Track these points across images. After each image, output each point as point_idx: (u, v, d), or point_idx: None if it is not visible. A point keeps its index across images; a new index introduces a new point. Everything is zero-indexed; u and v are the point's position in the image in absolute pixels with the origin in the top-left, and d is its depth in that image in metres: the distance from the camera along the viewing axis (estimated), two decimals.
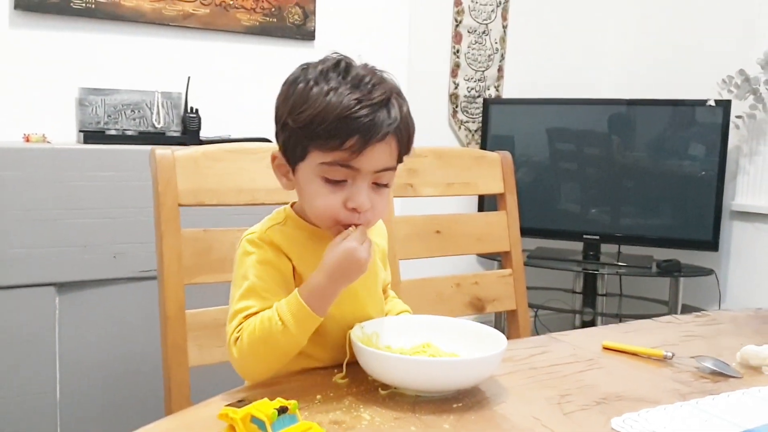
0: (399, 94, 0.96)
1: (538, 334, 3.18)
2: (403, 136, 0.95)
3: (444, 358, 0.92)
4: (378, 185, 0.95)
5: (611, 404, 0.89)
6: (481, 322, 1.03)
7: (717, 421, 0.82)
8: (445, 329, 1.02)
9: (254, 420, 0.66)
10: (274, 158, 1.01)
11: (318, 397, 0.87)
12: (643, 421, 0.82)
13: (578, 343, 1.16)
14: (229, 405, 0.69)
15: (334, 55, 0.96)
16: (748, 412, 0.86)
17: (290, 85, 0.95)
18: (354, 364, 0.93)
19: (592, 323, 3.21)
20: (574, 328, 3.28)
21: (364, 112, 0.89)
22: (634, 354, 1.09)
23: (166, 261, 1.21)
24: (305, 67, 0.96)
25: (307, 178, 0.95)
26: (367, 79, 0.92)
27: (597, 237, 3.11)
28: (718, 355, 1.07)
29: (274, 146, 1.32)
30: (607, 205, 3.17)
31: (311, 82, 0.92)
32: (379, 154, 0.92)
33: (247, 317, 0.92)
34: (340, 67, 0.94)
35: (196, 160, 1.26)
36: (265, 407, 0.67)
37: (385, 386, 0.90)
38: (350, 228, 0.93)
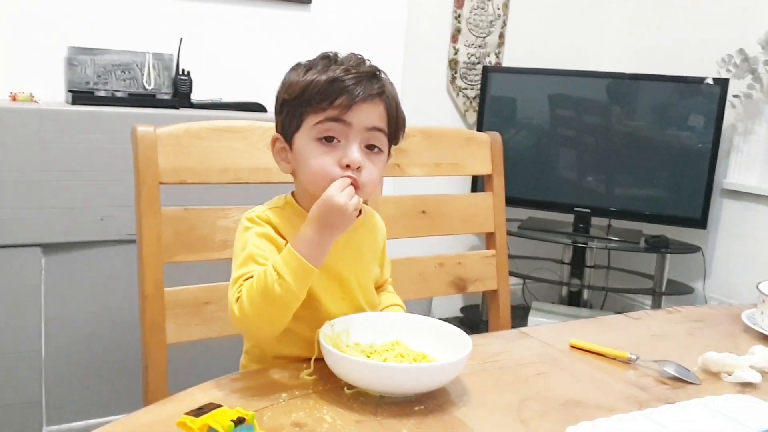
0: (386, 75, 1.04)
1: (525, 302, 3.28)
2: (391, 106, 1.02)
3: (407, 364, 0.94)
4: (370, 150, 1.01)
5: (570, 411, 0.91)
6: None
7: None
8: (415, 327, 1.03)
9: (211, 431, 0.68)
10: (274, 141, 1.07)
11: (283, 395, 0.89)
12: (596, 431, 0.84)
13: (548, 340, 1.17)
14: (188, 413, 0.70)
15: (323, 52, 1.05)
16: (700, 425, 0.88)
17: (286, 75, 1.05)
18: (323, 360, 0.95)
19: (578, 294, 3.25)
20: (561, 298, 3.32)
21: (351, 76, 0.98)
22: (600, 354, 1.12)
23: (145, 240, 1.22)
24: (298, 63, 1.05)
25: (303, 144, 1.01)
26: (354, 61, 1.01)
27: (588, 210, 3.12)
28: (683, 357, 1.09)
29: (261, 124, 1.34)
30: (600, 179, 3.18)
31: (303, 68, 1.02)
32: (368, 112, 0.99)
33: (247, 280, 0.95)
34: (330, 56, 1.03)
35: (178, 137, 1.26)
36: (222, 418, 0.69)
37: (350, 385, 0.92)
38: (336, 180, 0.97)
